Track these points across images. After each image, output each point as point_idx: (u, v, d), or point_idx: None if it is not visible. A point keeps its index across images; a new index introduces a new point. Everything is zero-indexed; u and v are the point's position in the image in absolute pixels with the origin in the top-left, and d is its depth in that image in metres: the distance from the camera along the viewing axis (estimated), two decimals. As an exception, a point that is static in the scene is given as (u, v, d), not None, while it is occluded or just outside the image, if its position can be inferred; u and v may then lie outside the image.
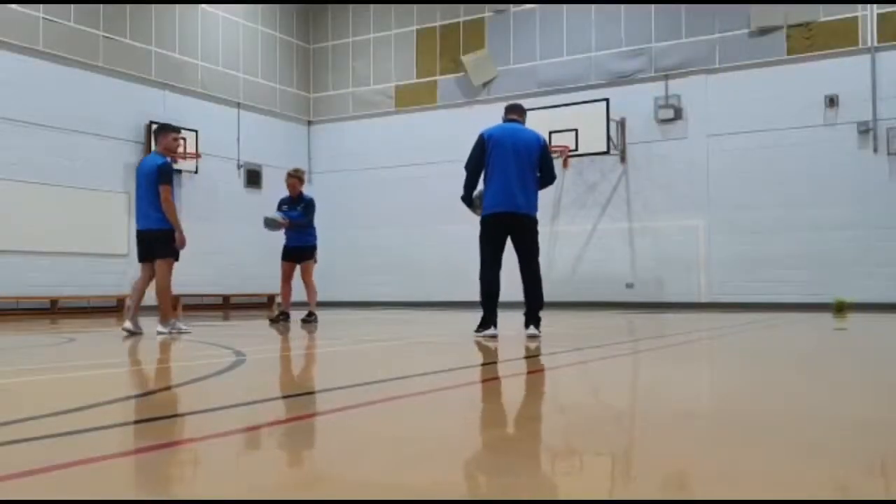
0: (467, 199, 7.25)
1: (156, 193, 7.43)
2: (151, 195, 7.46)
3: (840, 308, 12.05)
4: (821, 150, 13.86)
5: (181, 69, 15.98)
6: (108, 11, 14.60)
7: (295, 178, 9.92)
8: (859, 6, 13.70)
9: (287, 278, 9.78)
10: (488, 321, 6.88)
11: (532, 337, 6.72)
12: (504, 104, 16.90)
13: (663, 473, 2.01)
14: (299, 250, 9.77)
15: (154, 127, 8.06)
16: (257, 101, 17.54)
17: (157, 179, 7.40)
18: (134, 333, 7.46)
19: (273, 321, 9.69)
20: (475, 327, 7.03)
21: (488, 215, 7.00)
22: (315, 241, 9.96)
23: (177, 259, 7.71)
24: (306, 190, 10.43)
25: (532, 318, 6.89)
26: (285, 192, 10.06)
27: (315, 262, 9.98)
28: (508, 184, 6.93)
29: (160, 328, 7.54)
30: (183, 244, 7.60)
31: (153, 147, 7.81)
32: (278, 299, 10.07)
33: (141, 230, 7.65)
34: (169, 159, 7.71)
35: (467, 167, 7.19)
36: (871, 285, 13.35)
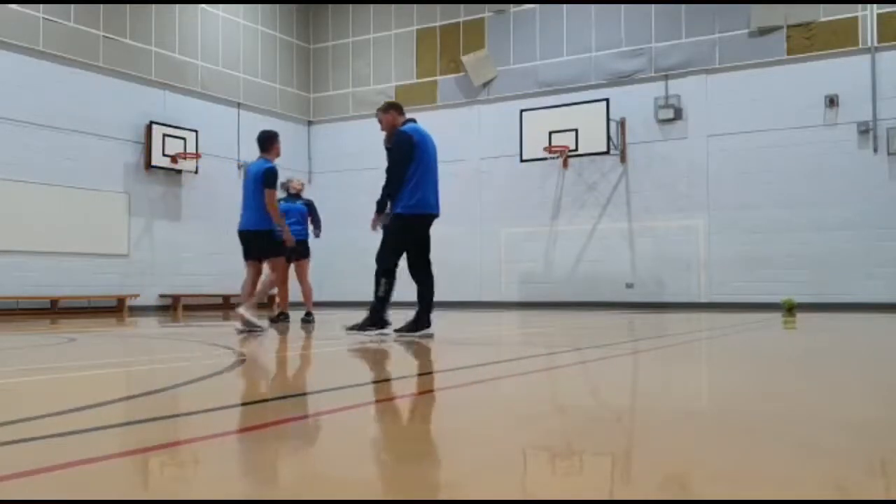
0: (389, 201, 6.90)
1: (262, 196, 7.91)
2: (257, 197, 7.94)
3: (789, 308, 12.06)
4: (821, 150, 13.86)
5: (181, 69, 15.98)
6: (108, 11, 14.60)
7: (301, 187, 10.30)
8: (859, 6, 13.70)
9: (284, 279, 9.77)
10: (384, 319, 6.86)
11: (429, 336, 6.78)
12: (504, 104, 16.78)
13: (663, 473, 2.01)
14: (300, 245, 9.72)
15: (262, 134, 8.40)
16: (257, 101, 17.55)
17: (264, 182, 7.87)
18: (252, 330, 7.65)
19: (273, 321, 9.68)
20: (371, 328, 6.85)
21: (421, 215, 6.93)
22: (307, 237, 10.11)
23: (287, 258, 8.46)
24: (307, 190, 10.53)
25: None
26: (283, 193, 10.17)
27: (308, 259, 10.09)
28: (435, 185, 7.03)
29: (240, 311, 7.76)
30: (291, 243, 8.20)
31: (261, 153, 8.23)
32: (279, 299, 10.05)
33: (241, 230, 8.15)
34: (275, 165, 8.10)
35: (401, 167, 6.85)
36: (871, 285, 13.35)
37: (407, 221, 6.87)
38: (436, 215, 7.08)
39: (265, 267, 8.18)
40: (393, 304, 6.93)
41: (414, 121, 7.27)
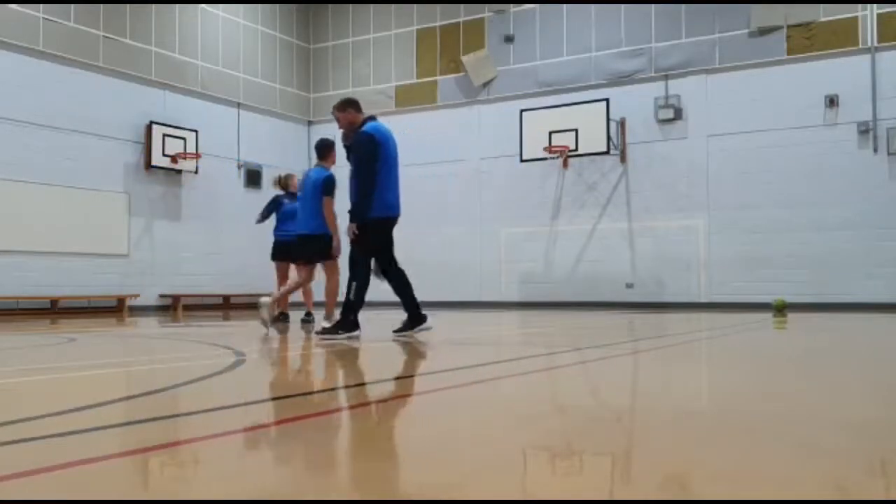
0: (366, 206, 6.70)
1: (319, 202, 8.19)
2: (315, 203, 8.22)
3: (780, 308, 12.05)
4: (821, 150, 13.86)
5: (181, 69, 15.98)
6: (108, 11, 14.61)
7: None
8: (859, 6, 13.70)
9: (284, 278, 9.77)
10: (356, 322, 6.84)
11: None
12: (504, 104, 16.80)
13: (663, 473, 2.01)
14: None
15: (320, 142, 8.79)
16: (257, 101, 17.55)
17: (322, 190, 8.13)
18: (309, 322, 8.32)
19: (273, 321, 9.66)
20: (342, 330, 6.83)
21: (389, 217, 6.87)
22: None
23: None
24: None
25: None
26: (280, 192, 10.17)
27: None
28: (397, 186, 6.93)
29: (325, 324, 7.75)
30: (339, 252, 8.27)
31: (318, 160, 8.64)
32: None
33: (300, 234, 8.42)
34: (333, 173, 8.43)
35: (371, 167, 6.68)
36: (871, 285, 13.35)
37: (374, 225, 6.75)
38: (397, 217, 6.96)
39: (292, 269, 8.72)
40: (384, 305, 6.92)
41: (374, 118, 7.12)
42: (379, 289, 7.26)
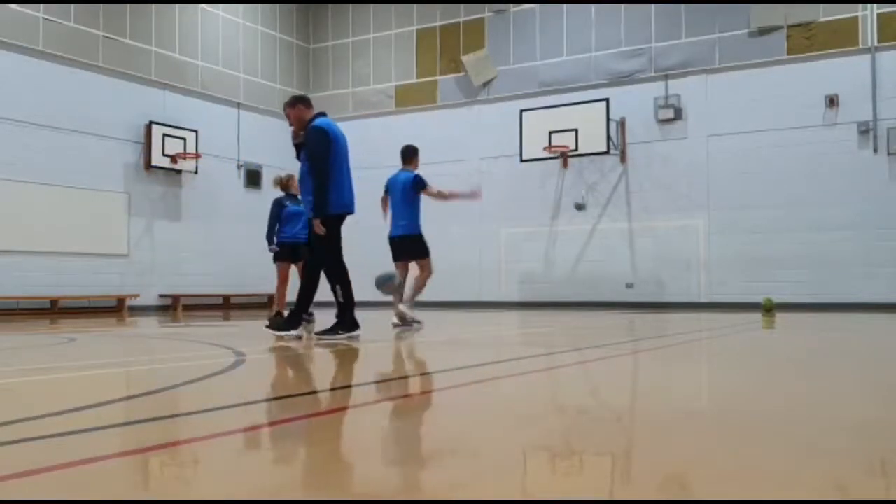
0: (325, 199, 6.63)
1: (409, 203, 8.80)
2: (405, 205, 8.79)
3: (769, 308, 12.04)
4: (821, 150, 13.86)
5: (181, 69, 15.98)
6: (108, 11, 14.60)
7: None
8: (859, 6, 13.70)
9: (284, 280, 9.72)
10: (355, 320, 6.81)
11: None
12: (504, 104, 16.81)
13: (663, 473, 2.01)
14: (304, 246, 9.66)
15: (407, 147, 9.32)
16: (257, 101, 17.55)
17: (416, 187, 8.78)
18: (404, 324, 8.45)
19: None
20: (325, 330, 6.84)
21: (342, 214, 6.81)
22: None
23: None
24: None
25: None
26: (281, 193, 10.08)
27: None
28: (350, 182, 6.90)
29: (402, 307, 8.59)
30: (479, 195, 10.17)
31: (403, 165, 9.20)
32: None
33: (394, 236, 8.96)
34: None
35: (325, 159, 6.62)
36: (871, 285, 13.35)
37: (331, 221, 6.70)
38: (347, 214, 6.90)
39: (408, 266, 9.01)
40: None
41: (324, 114, 7.07)
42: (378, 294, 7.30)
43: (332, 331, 6.83)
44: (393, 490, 1.87)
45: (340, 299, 6.77)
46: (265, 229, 9.86)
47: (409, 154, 9.24)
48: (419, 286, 8.92)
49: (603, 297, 15.31)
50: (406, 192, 8.78)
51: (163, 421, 2.88)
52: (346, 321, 6.79)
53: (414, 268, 9.03)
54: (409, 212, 8.84)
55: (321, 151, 6.65)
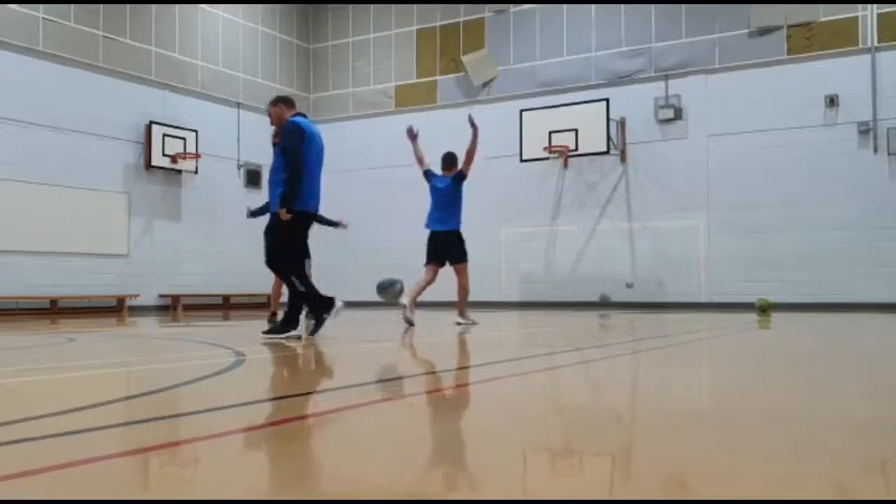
0: (296, 191, 6.60)
1: (456, 202, 9.22)
2: (452, 205, 9.17)
3: (764, 309, 12.03)
4: (821, 150, 13.86)
5: (181, 69, 15.98)
6: (108, 11, 14.60)
7: None
8: (859, 6, 13.70)
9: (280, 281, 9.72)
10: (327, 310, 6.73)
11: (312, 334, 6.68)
12: (504, 104, 16.86)
13: (663, 473, 2.01)
14: None
15: (448, 154, 9.69)
16: (257, 101, 17.54)
17: (460, 180, 9.30)
18: (472, 324, 8.85)
19: (269, 321, 9.65)
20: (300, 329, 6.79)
21: (308, 213, 6.74)
22: None
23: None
24: None
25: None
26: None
27: None
28: (318, 184, 6.84)
29: (460, 319, 9.09)
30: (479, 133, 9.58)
31: (443, 171, 9.69)
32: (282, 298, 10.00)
33: (437, 231, 9.23)
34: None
35: (298, 152, 6.58)
36: (871, 285, 13.35)
37: (295, 218, 6.62)
38: (314, 214, 6.87)
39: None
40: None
41: (304, 115, 7.06)
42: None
43: (314, 329, 6.73)
44: (393, 490, 1.87)
45: (302, 289, 6.64)
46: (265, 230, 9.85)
47: (449, 160, 9.51)
48: (463, 296, 9.32)
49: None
50: (451, 193, 9.13)
51: (163, 421, 2.88)
52: (293, 320, 6.68)
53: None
54: (455, 210, 9.16)
55: (295, 145, 6.60)
